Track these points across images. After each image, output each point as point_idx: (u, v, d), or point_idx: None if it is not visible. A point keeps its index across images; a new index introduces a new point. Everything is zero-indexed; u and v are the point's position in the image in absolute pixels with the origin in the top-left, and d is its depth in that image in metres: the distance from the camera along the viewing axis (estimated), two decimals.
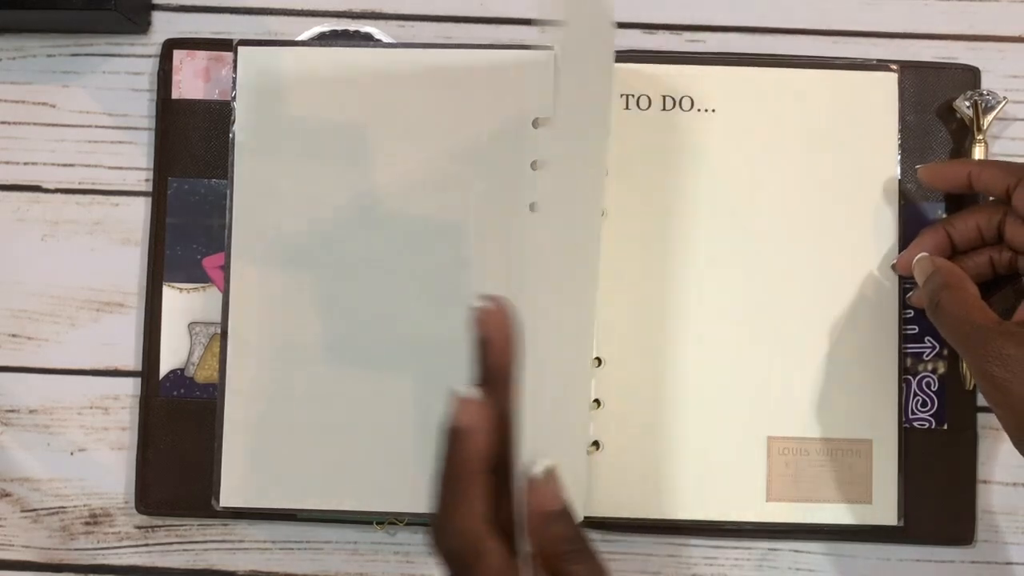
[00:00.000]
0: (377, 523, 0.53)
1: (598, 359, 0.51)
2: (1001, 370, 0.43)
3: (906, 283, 0.52)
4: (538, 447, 0.35)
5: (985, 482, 0.53)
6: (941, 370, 0.53)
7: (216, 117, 0.54)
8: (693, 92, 0.52)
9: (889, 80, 0.53)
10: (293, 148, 0.52)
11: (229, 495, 0.51)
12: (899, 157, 0.53)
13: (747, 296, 0.52)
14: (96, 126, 0.56)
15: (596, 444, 0.51)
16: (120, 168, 0.56)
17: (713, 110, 0.52)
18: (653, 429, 0.51)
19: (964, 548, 0.53)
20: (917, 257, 0.50)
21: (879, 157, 0.52)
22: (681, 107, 0.52)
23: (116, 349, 0.55)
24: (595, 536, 0.53)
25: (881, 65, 0.53)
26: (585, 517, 0.51)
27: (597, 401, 0.51)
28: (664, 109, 0.52)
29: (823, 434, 0.51)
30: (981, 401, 0.53)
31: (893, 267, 0.52)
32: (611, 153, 0.52)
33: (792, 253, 0.52)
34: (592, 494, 0.51)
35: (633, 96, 0.52)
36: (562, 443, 0.43)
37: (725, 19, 0.56)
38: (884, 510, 0.51)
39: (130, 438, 0.54)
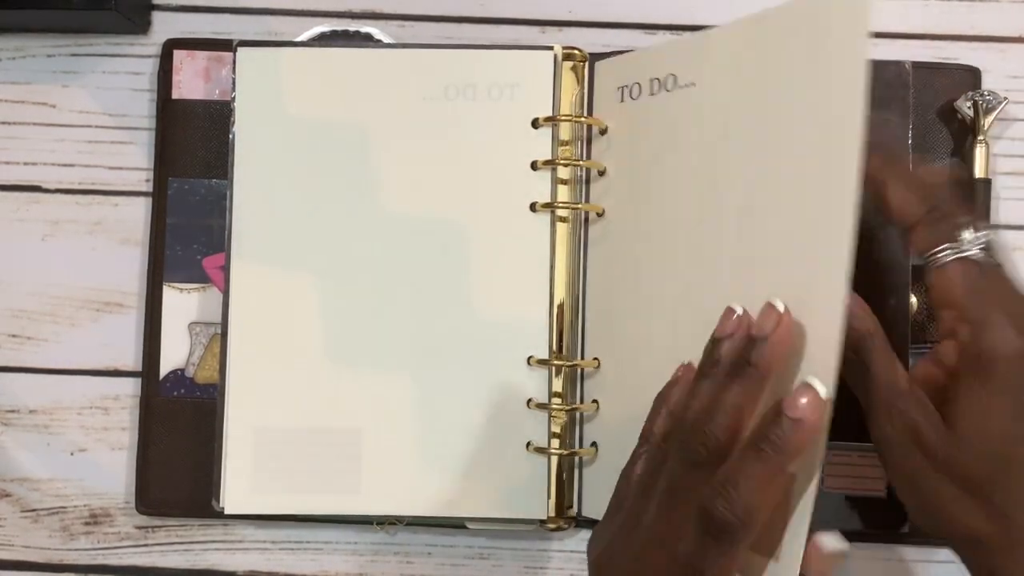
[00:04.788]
0: (377, 523, 0.53)
1: (596, 360, 0.51)
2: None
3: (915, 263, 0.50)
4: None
5: None
6: None
7: (216, 117, 0.54)
8: (676, 68, 0.49)
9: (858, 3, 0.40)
10: (293, 148, 0.52)
11: (233, 503, 0.51)
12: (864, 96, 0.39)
13: (753, 294, 0.42)
14: (96, 126, 0.56)
15: (594, 445, 0.51)
16: (120, 168, 0.56)
17: (693, 84, 0.48)
18: None
19: None
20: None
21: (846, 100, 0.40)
22: (666, 87, 0.49)
23: (116, 349, 0.55)
24: None
25: None
26: (583, 518, 0.51)
27: (595, 402, 0.51)
28: (652, 93, 0.50)
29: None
30: None
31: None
32: (609, 151, 0.52)
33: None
34: (590, 495, 0.51)
35: (627, 87, 0.51)
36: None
37: (725, 19, 0.56)
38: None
39: (130, 438, 0.54)
